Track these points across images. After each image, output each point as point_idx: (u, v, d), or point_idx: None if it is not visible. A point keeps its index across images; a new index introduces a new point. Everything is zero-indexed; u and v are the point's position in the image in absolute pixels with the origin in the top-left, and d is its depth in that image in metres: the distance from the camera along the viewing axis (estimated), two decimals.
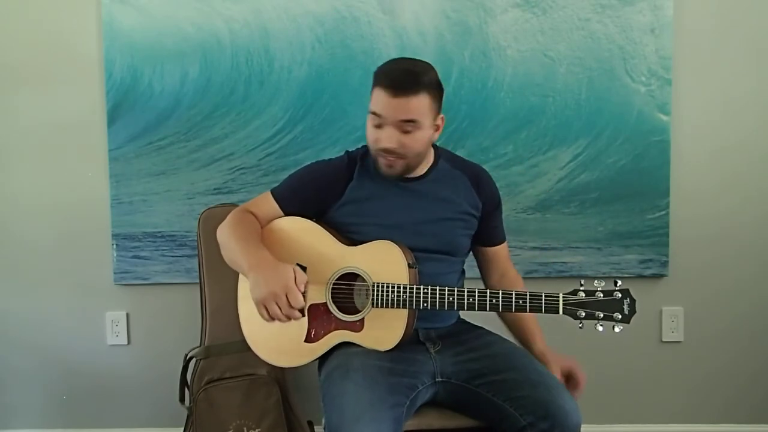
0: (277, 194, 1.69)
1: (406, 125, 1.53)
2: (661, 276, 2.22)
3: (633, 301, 1.47)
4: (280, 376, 2.01)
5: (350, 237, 1.64)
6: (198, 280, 2.06)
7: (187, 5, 2.15)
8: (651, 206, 2.19)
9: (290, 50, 2.16)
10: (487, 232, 1.74)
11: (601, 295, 1.46)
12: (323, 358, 1.64)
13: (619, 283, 1.47)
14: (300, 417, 2.03)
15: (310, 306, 1.61)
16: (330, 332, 1.60)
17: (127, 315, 2.28)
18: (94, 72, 2.19)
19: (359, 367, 1.50)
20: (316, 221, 1.67)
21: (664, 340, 2.26)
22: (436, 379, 1.58)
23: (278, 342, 1.63)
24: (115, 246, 2.22)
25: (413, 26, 2.15)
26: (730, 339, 2.27)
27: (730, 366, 2.28)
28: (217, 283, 2.00)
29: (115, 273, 2.24)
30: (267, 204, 1.68)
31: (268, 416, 1.97)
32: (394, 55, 2.08)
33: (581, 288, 1.48)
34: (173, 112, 2.19)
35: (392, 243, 1.57)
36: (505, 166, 2.15)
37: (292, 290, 1.42)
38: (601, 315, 1.45)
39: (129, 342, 2.29)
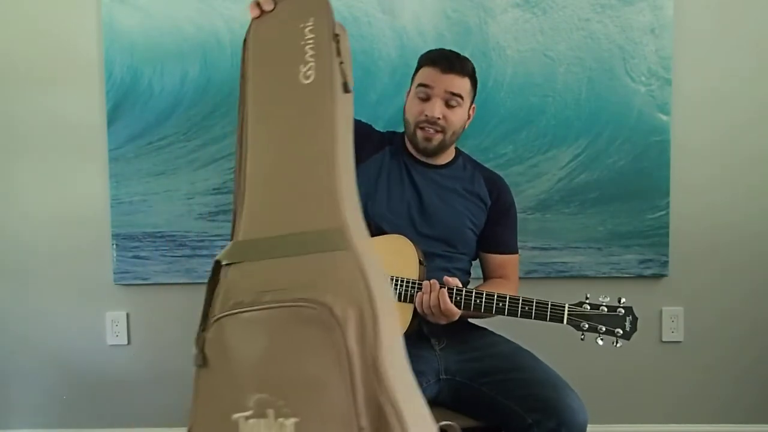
0: None
1: (453, 99, 1.64)
2: (661, 276, 2.22)
3: (635, 319, 1.50)
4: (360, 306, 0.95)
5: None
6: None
7: (187, 5, 2.15)
8: (651, 206, 2.19)
9: None
10: (492, 236, 1.76)
11: (605, 310, 1.49)
12: None
13: (623, 300, 1.51)
14: None
15: None
16: None
17: (127, 315, 2.28)
18: (94, 72, 2.19)
19: None
20: None
21: (664, 340, 2.26)
22: (440, 377, 1.61)
23: None
24: (114, 246, 2.22)
25: (413, 26, 2.15)
26: (731, 339, 2.27)
27: (730, 366, 2.28)
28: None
29: (115, 273, 2.24)
30: None
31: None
32: (394, 55, 2.09)
33: (586, 301, 1.52)
34: (173, 112, 2.19)
35: (406, 239, 1.62)
36: (505, 166, 2.14)
37: None
38: (603, 329, 1.49)
39: (129, 342, 2.29)
